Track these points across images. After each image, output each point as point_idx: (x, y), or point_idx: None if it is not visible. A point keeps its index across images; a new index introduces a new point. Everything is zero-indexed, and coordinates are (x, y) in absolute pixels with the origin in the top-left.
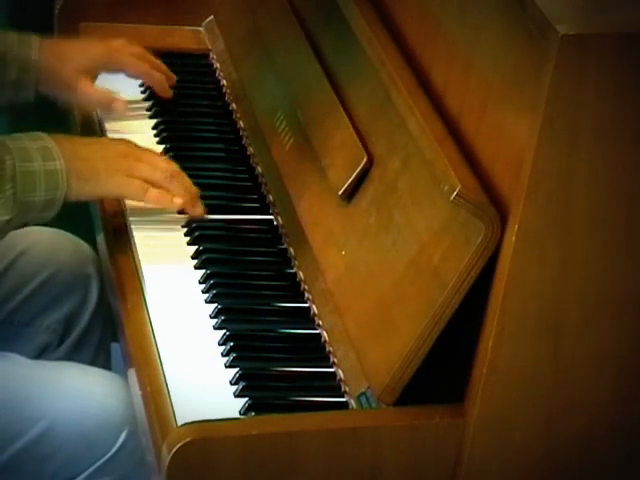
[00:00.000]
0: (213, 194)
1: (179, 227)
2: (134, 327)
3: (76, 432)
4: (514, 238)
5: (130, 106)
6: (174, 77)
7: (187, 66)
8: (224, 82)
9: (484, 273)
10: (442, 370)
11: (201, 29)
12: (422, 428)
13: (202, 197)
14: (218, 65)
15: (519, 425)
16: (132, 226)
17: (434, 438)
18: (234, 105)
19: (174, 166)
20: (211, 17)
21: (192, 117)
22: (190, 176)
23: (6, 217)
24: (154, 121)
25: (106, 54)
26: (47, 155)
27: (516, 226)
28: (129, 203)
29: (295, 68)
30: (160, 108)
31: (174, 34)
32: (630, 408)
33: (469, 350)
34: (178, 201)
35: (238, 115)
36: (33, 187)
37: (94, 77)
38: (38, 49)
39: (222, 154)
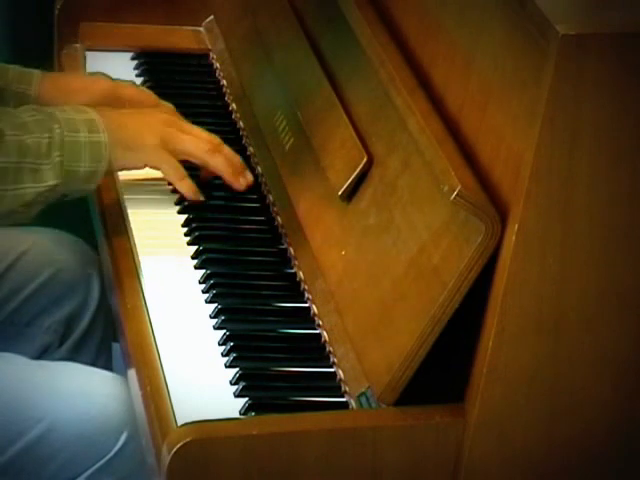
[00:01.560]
0: (213, 194)
1: (180, 228)
2: (134, 327)
3: (76, 433)
4: (514, 238)
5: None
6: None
7: (187, 66)
8: (224, 82)
9: (484, 273)
10: (442, 370)
11: (201, 29)
12: (422, 428)
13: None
14: (218, 65)
15: (519, 425)
16: (132, 226)
17: (434, 438)
18: (234, 105)
19: (216, 139)
20: (211, 17)
21: (192, 117)
22: (190, 176)
23: (53, 182)
24: None
25: (111, 90)
26: (92, 127)
27: (516, 226)
28: (127, 201)
29: (295, 68)
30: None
31: (174, 34)
32: (630, 408)
33: (469, 350)
34: (201, 197)
35: (238, 115)
36: (78, 157)
37: None
38: (38, 84)
39: None
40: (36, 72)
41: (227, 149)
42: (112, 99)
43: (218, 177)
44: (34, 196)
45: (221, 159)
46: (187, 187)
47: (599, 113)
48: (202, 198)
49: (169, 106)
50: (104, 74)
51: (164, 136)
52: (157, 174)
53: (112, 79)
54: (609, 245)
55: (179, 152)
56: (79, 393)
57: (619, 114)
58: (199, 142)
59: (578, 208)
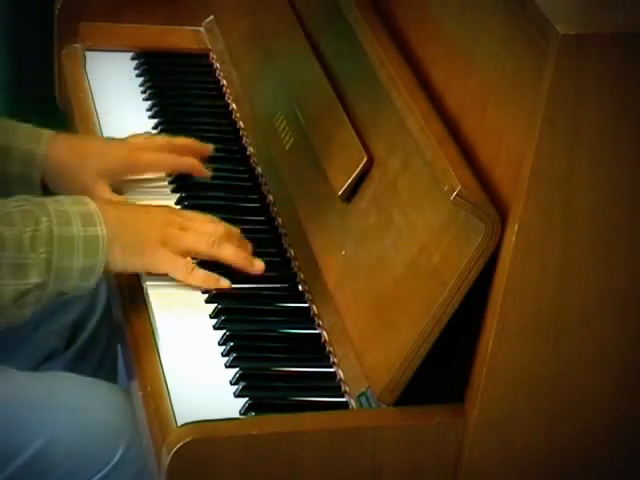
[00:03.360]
0: (213, 194)
1: None
2: (134, 327)
3: (75, 447)
4: (514, 238)
5: (130, 106)
6: (208, 147)
7: (187, 66)
8: (224, 82)
9: (484, 273)
10: (442, 370)
11: (201, 29)
12: (422, 428)
13: (202, 197)
14: (218, 65)
15: (519, 425)
16: None
17: (434, 438)
18: (234, 105)
19: (221, 228)
20: (211, 17)
21: (192, 117)
22: (190, 176)
23: (36, 280)
24: (154, 121)
25: (128, 157)
26: (88, 220)
27: (516, 226)
28: None
29: (295, 68)
30: (160, 108)
31: (174, 34)
32: (630, 408)
33: (469, 350)
34: (225, 284)
35: (238, 115)
36: (71, 252)
37: (114, 182)
38: (47, 143)
39: (222, 154)
40: (46, 132)
41: (233, 236)
42: (129, 167)
43: (217, 177)
44: (15, 294)
45: (229, 249)
46: (201, 279)
47: (599, 113)
48: (226, 282)
49: (169, 206)
50: (120, 140)
51: (165, 237)
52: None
53: (128, 143)
54: (609, 245)
55: (183, 251)
56: (76, 406)
57: (619, 114)
58: (202, 238)
59: (578, 208)
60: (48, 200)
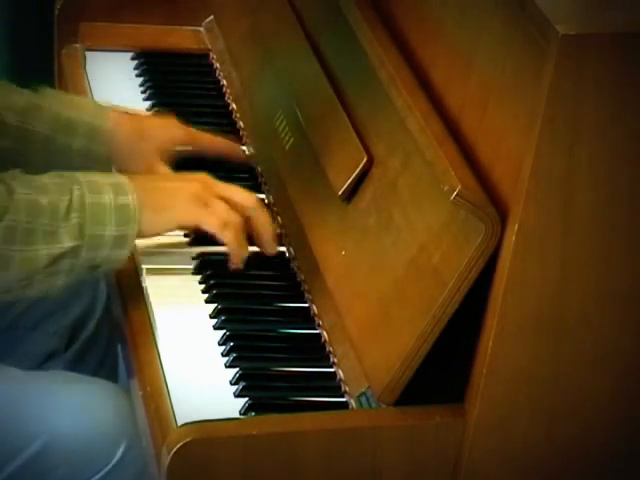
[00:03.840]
0: None
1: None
2: (134, 327)
3: (75, 447)
4: (514, 238)
5: (129, 105)
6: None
7: (187, 66)
8: (224, 82)
9: (484, 273)
10: (442, 370)
11: (201, 29)
12: (422, 428)
13: None
14: (218, 65)
15: (519, 425)
16: None
17: (434, 438)
18: (234, 105)
19: (255, 201)
20: (211, 17)
21: (192, 117)
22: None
23: (69, 244)
24: None
25: (186, 137)
26: (119, 189)
27: (516, 226)
28: None
29: (295, 68)
30: (160, 109)
31: (174, 34)
32: (630, 408)
33: (469, 350)
34: (244, 253)
35: (238, 115)
36: (103, 220)
37: (171, 159)
38: (113, 121)
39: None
40: (111, 108)
41: (262, 215)
42: (187, 146)
43: (217, 177)
44: (49, 259)
45: (262, 224)
46: (231, 238)
47: (599, 113)
48: (244, 253)
49: (203, 174)
50: (177, 119)
51: (198, 197)
52: None
53: (184, 125)
54: (609, 245)
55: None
56: (76, 406)
57: (619, 114)
58: (230, 212)
59: (578, 208)
60: (79, 173)
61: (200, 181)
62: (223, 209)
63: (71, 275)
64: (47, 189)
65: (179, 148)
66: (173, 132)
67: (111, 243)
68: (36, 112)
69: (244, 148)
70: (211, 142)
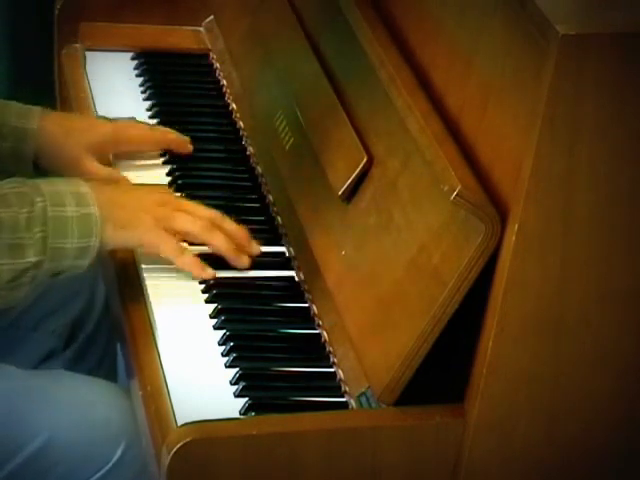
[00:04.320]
0: (213, 194)
1: None
2: (134, 327)
3: (75, 446)
4: (514, 238)
5: (130, 106)
6: (187, 142)
7: (187, 66)
8: (224, 82)
9: (484, 273)
10: (442, 370)
11: (201, 29)
12: (422, 428)
13: (202, 197)
14: (218, 65)
15: (519, 425)
16: None
17: (434, 438)
18: (234, 105)
19: (213, 213)
20: (211, 17)
21: (192, 117)
22: (190, 176)
23: (33, 259)
24: (154, 121)
25: (113, 132)
26: (81, 200)
27: (516, 226)
28: None
29: (295, 68)
30: (160, 109)
31: (174, 34)
32: (630, 408)
33: (469, 350)
34: (210, 274)
35: (238, 115)
36: (65, 233)
37: (102, 158)
38: (38, 120)
39: (222, 154)
40: (37, 109)
41: (228, 223)
42: (115, 141)
43: (217, 177)
44: (13, 274)
45: (220, 236)
46: (189, 263)
47: (599, 113)
48: (210, 272)
49: (164, 186)
50: (106, 118)
51: (158, 215)
52: None
53: (114, 122)
54: (609, 245)
55: (175, 231)
56: (76, 405)
57: (619, 114)
58: (195, 220)
59: (578, 208)
60: (42, 182)
61: (159, 196)
62: (187, 220)
63: (32, 285)
64: (7, 201)
65: (109, 146)
66: (99, 128)
67: (73, 255)
68: None
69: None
70: (140, 137)
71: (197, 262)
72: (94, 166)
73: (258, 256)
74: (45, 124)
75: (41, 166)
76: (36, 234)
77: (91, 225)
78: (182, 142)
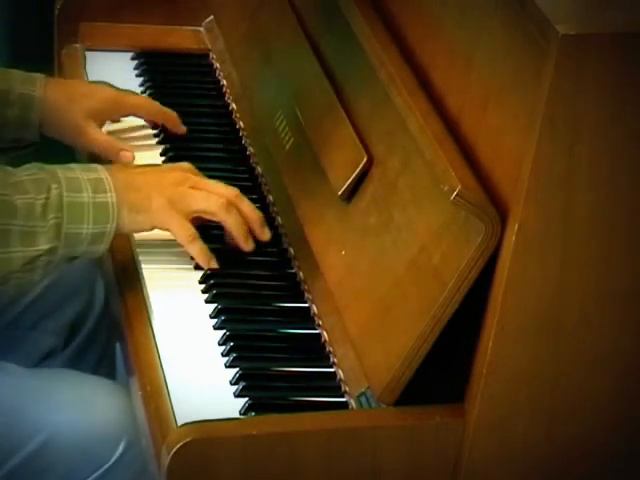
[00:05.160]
0: None
1: None
2: (134, 327)
3: (75, 444)
4: (514, 238)
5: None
6: (182, 128)
7: (187, 66)
8: (224, 82)
9: (484, 273)
10: (442, 370)
11: (201, 29)
12: (422, 428)
13: None
14: (218, 65)
15: (519, 425)
16: None
17: (434, 438)
18: (234, 105)
19: (232, 192)
20: (211, 17)
21: (192, 117)
22: None
23: (46, 246)
24: None
25: (114, 98)
26: (98, 187)
27: (516, 226)
28: None
29: (295, 68)
30: None
31: (174, 34)
32: (630, 408)
33: (469, 350)
34: (213, 265)
35: (238, 115)
36: (80, 219)
37: (102, 123)
38: (43, 87)
39: (222, 154)
40: (40, 75)
41: (246, 204)
42: (115, 107)
43: (217, 177)
44: (24, 261)
45: (235, 217)
46: (198, 250)
47: (599, 113)
48: (214, 265)
49: (186, 164)
50: (108, 83)
51: (173, 196)
52: None
53: (116, 88)
54: (609, 245)
55: (191, 211)
56: (77, 403)
57: (619, 114)
58: (211, 198)
59: (578, 208)
60: (59, 168)
61: (178, 174)
62: (203, 198)
63: (48, 269)
64: (24, 187)
65: (110, 112)
66: (100, 94)
67: (88, 240)
68: None
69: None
70: (141, 105)
71: (206, 252)
72: (97, 132)
73: (258, 256)
74: (48, 91)
75: (45, 133)
76: (50, 221)
77: (107, 211)
78: (177, 122)
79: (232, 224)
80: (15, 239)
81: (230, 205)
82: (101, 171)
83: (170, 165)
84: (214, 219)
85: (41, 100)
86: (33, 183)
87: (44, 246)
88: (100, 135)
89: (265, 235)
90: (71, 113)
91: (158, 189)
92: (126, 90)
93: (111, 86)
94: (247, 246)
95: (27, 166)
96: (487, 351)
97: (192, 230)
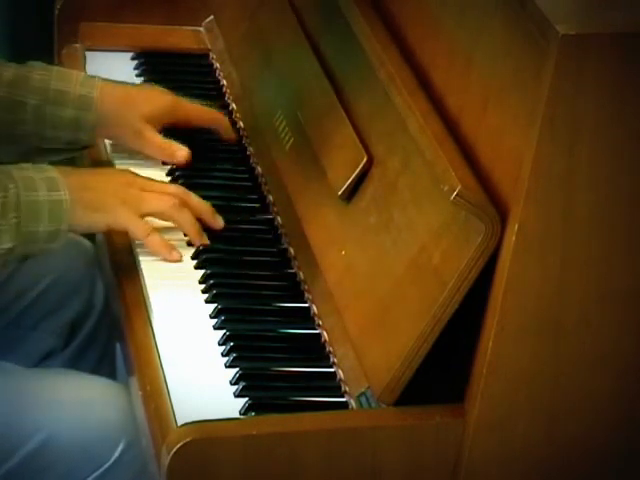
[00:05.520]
0: (213, 194)
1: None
2: (134, 327)
3: (74, 443)
4: (514, 238)
5: None
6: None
7: (187, 66)
8: (224, 82)
9: (484, 273)
10: (442, 370)
11: (201, 29)
12: (422, 428)
13: (202, 197)
14: (218, 65)
15: (519, 425)
16: None
17: (434, 438)
18: (234, 105)
19: (181, 191)
20: (211, 17)
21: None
22: (190, 176)
23: (8, 245)
24: None
25: (172, 104)
26: (52, 185)
27: (516, 226)
28: None
29: (295, 68)
30: None
31: (174, 34)
32: (630, 408)
33: (469, 350)
34: (175, 256)
35: (238, 115)
36: (37, 217)
37: (158, 127)
38: (100, 89)
39: (222, 154)
40: (97, 77)
41: (193, 199)
42: (172, 112)
43: (217, 177)
44: None
45: (186, 216)
46: (157, 242)
47: (599, 113)
48: (176, 255)
49: (127, 170)
50: (164, 90)
51: (126, 197)
52: None
53: (172, 94)
54: (609, 245)
55: (143, 212)
56: (76, 403)
57: (619, 114)
58: (161, 199)
59: (578, 208)
60: (13, 167)
61: (126, 177)
62: (154, 199)
63: (2, 270)
64: None
65: (167, 117)
66: (159, 99)
67: (44, 238)
68: (25, 83)
69: (240, 124)
70: (196, 111)
71: (165, 244)
72: (155, 136)
73: (258, 256)
74: (106, 93)
75: (100, 135)
76: (10, 220)
77: (62, 209)
78: (228, 127)
79: (184, 223)
80: None
81: (181, 204)
82: (52, 170)
83: (114, 169)
84: (166, 220)
85: (99, 102)
86: None
87: (6, 245)
88: (158, 138)
89: (218, 223)
90: (129, 116)
91: (111, 189)
92: (179, 97)
93: (167, 92)
94: (200, 241)
95: None
96: (487, 351)
97: (147, 224)
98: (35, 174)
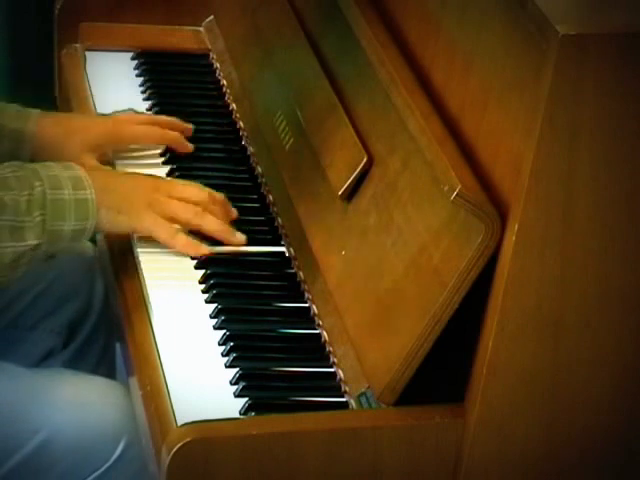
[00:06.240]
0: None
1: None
2: (134, 327)
3: (75, 443)
4: (514, 238)
5: (130, 106)
6: (190, 127)
7: (187, 66)
8: (224, 82)
9: (484, 273)
10: (442, 370)
11: (201, 29)
12: (422, 428)
13: None
14: (218, 65)
15: (519, 425)
16: None
17: (434, 438)
18: (234, 105)
19: (206, 195)
20: (211, 17)
21: (192, 117)
22: (190, 176)
23: (34, 242)
24: None
25: (112, 130)
26: (78, 184)
27: (516, 226)
28: None
29: (295, 68)
30: (161, 109)
31: (174, 34)
32: (630, 409)
33: (469, 350)
34: (204, 251)
35: (238, 115)
36: (63, 215)
37: (100, 155)
38: (36, 121)
39: (222, 154)
40: (35, 111)
41: (219, 201)
42: (113, 139)
43: (218, 177)
44: (14, 256)
45: (211, 220)
46: (183, 242)
47: (599, 113)
48: (205, 251)
49: (155, 175)
50: (105, 115)
51: (151, 200)
52: None
53: (113, 118)
54: (609, 245)
55: (168, 217)
56: (76, 402)
57: (619, 114)
58: (187, 207)
59: (578, 208)
60: (39, 166)
61: (153, 182)
62: (178, 207)
63: (29, 266)
64: (9, 184)
65: (110, 142)
66: (98, 127)
67: (70, 236)
68: None
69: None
70: (143, 131)
71: (191, 242)
72: (93, 165)
73: (258, 256)
74: (44, 126)
75: None
76: (36, 217)
77: (87, 208)
78: (182, 142)
79: (210, 229)
80: (5, 234)
81: (204, 209)
82: (78, 169)
83: (141, 173)
84: (191, 228)
85: (32, 135)
86: (16, 180)
87: (32, 241)
88: (97, 166)
89: (235, 240)
90: (67, 147)
91: (137, 193)
92: (128, 115)
93: (111, 116)
94: (236, 240)
95: (8, 164)
96: (487, 351)
97: (172, 227)
98: (61, 172)
